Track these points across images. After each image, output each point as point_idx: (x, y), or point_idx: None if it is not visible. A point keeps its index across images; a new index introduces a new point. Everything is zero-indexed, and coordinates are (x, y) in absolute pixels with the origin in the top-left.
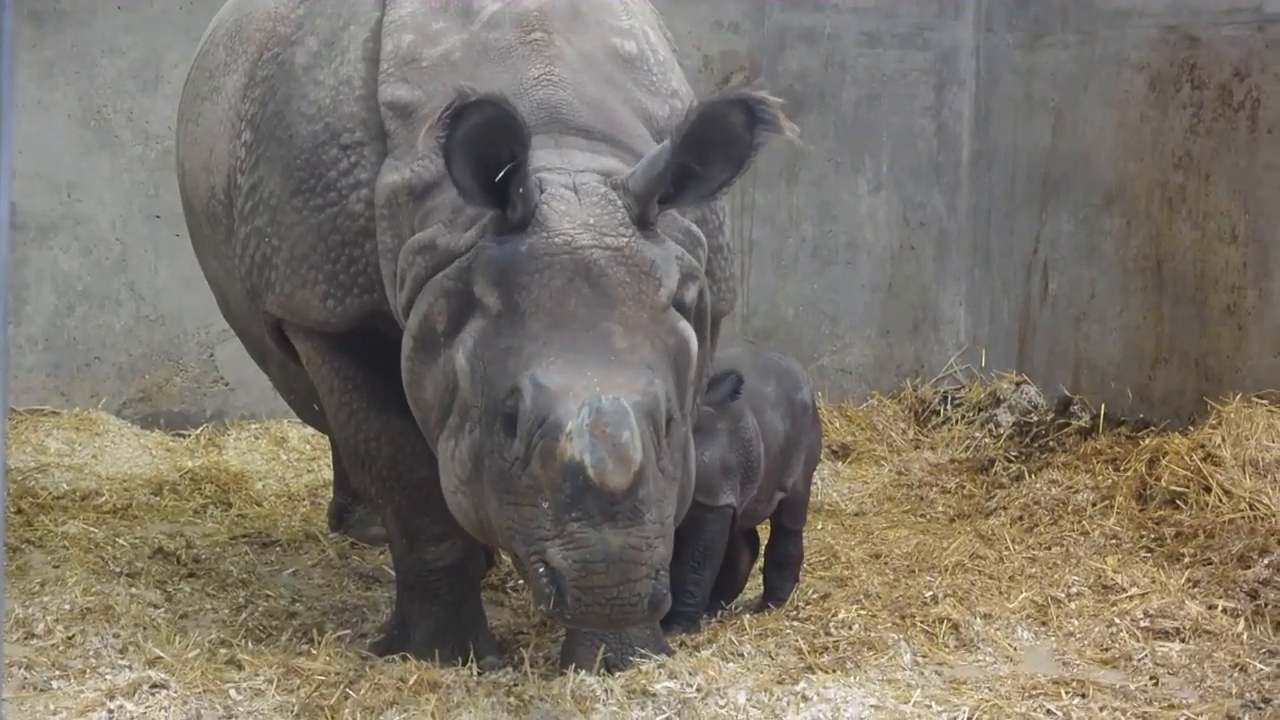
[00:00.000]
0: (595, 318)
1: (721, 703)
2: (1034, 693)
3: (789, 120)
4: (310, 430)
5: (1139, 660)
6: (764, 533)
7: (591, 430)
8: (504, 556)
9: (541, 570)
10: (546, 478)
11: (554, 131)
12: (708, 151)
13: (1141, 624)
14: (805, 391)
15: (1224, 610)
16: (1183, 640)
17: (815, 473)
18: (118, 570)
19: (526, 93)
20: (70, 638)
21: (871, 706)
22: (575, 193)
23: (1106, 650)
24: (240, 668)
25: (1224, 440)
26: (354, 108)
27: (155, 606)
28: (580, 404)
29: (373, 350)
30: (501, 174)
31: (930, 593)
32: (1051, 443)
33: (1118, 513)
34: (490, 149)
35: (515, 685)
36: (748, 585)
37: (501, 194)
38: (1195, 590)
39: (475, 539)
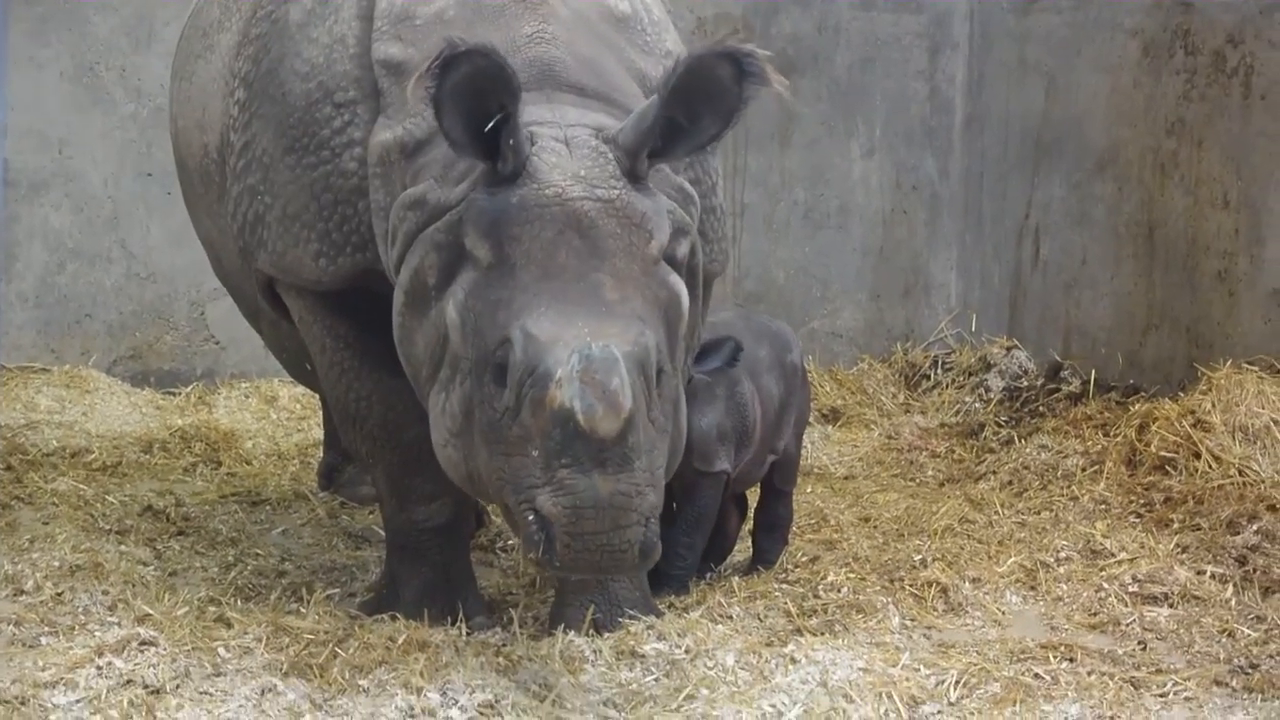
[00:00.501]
0: (586, 269)
1: (710, 664)
2: (1022, 656)
3: (777, 74)
4: (300, 389)
5: (1127, 625)
6: (752, 496)
7: (581, 377)
8: (494, 517)
9: (531, 518)
10: (536, 426)
11: (546, 88)
12: (697, 105)
13: (1130, 589)
14: (795, 353)
15: (1212, 576)
16: (1171, 605)
17: (805, 436)
18: (107, 527)
19: (519, 50)
20: (59, 594)
21: (860, 669)
22: (566, 145)
23: (1095, 615)
24: (229, 626)
25: (1214, 406)
26: (348, 66)
27: (144, 564)
28: (570, 352)
29: (365, 309)
30: (491, 125)
31: (919, 556)
32: (1041, 408)
33: (1107, 478)
34: (480, 100)
35: (504, 645)
36: (736, 548)
37: (492, 146)
38: (1184, 556)
39: (465, 493)
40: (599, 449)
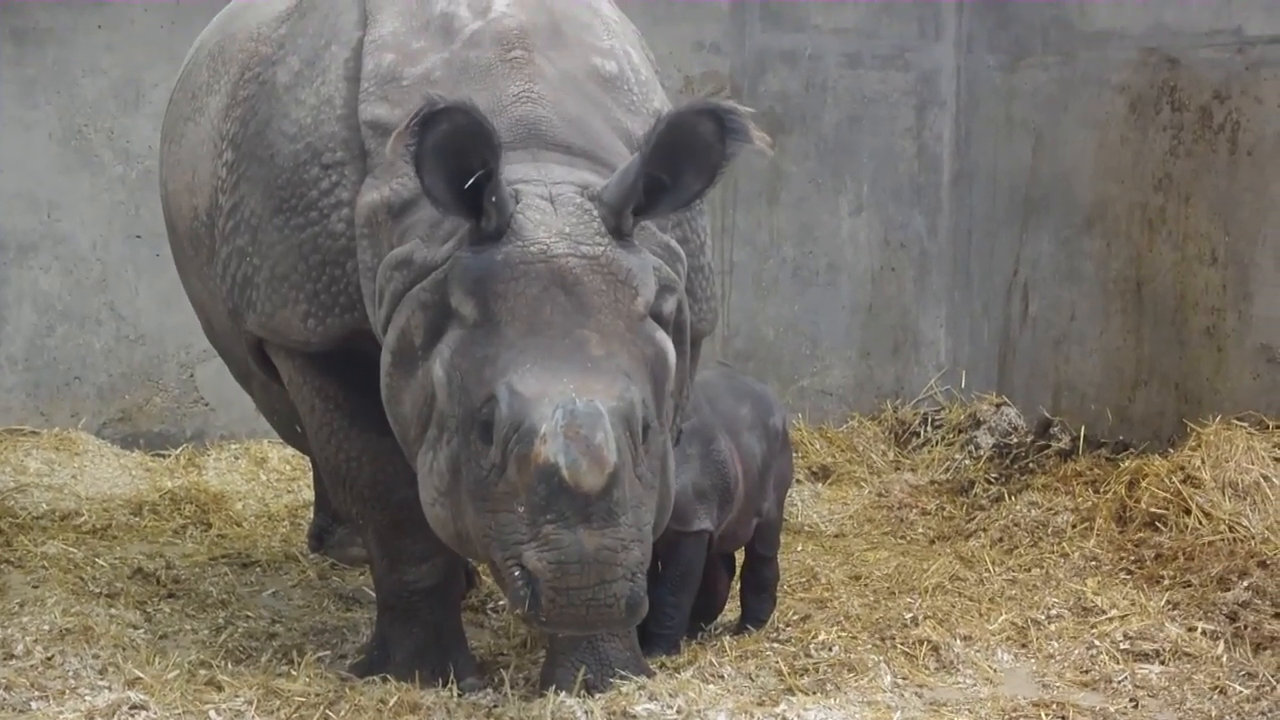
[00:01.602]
0: (571, 325)
1: None
2: (1014, 715)
3: (760, 131)
4: (290, 451)
5: (1119, 682)
6: (739, 555)
7: (565, 432)
8: (484, 577)
9: (517, 574)
10: (522, 481)
11: (532, 147)
12: (680, 162)
13: (1121, 646)
14: (778, 417)
15: (1203, 632)
16: (1162, 662)
17: (796, 494)
18: (97, 591)
19: (505, 109)
20: (49, 658)
21: None
22: (551, 203)
23: (1086, 672)
24: (220, 689)
25: (1204, 462)
26: (335, 127)
27: (135, 627)
28: (554, 407)
29: (354, 369)
30: (472, 182)
31: (910, 614)
32: (1031, 464)
33: (1097, 535)
34: (461, 158)
35: (495, 707)
36: (726, 606)
37: (475, 204)
38: (1175, 612)
39: (454, 552)
40: (584, 504)
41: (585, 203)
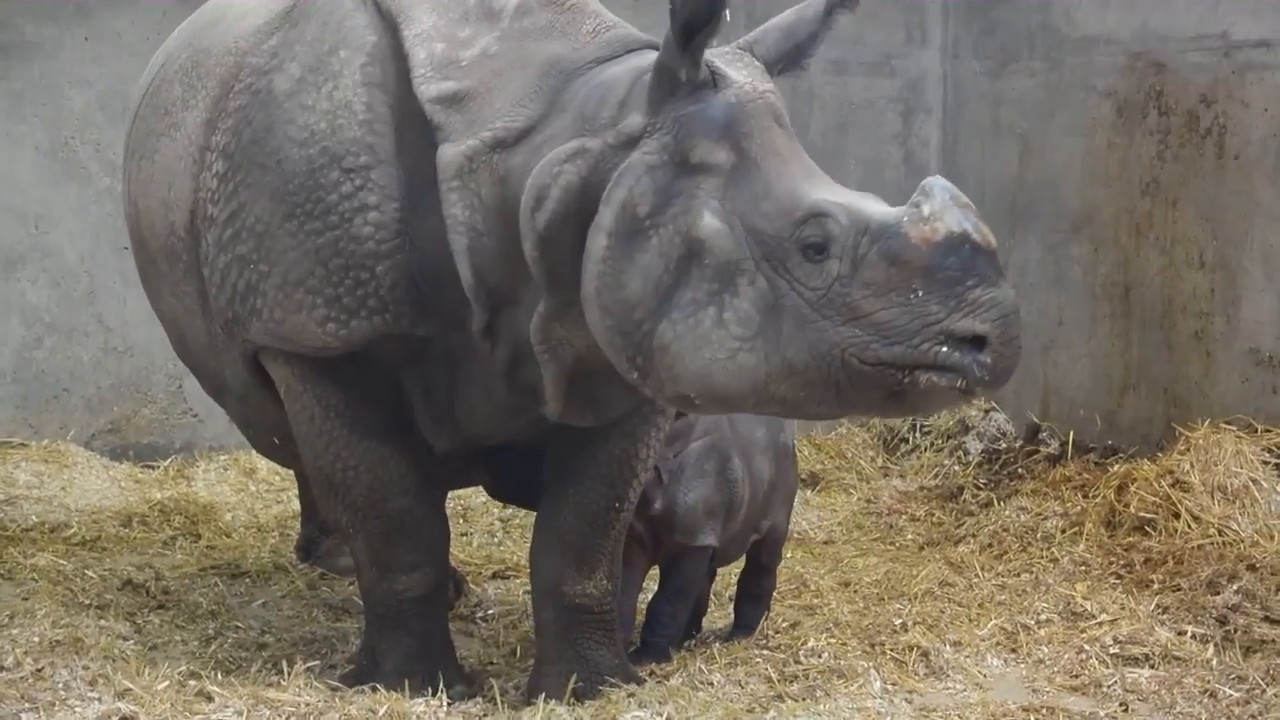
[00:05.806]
0: (797, 152)
1: None
2: None
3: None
4: None
5: (1109, 687)
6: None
7: (956, 202)
8: (474, 585)
9: (943, 350)
10: (908, 269)
11: (636, 52)
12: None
13: (1111, 650)
14: (787, 433)
15: (1193, 636)
16: (1152, 666)
17: None
18: (87, 602)
19: (588, 44)
20: (39, 670)
21: None
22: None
23: (1076, 677)
24: (210, 699)
25: (1192, 466)
26: (357, 132)
27: (124, 638)
28: (934, 187)
29: (357, 377)
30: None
31: (900, 620)
32: (1020, 470)
33: (1087, 539)
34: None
35: (485, 715)
36: (716, 614)
37: (694, 54)
38: (1164, 616)
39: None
40: (993, 259)
41: (739, 52)
